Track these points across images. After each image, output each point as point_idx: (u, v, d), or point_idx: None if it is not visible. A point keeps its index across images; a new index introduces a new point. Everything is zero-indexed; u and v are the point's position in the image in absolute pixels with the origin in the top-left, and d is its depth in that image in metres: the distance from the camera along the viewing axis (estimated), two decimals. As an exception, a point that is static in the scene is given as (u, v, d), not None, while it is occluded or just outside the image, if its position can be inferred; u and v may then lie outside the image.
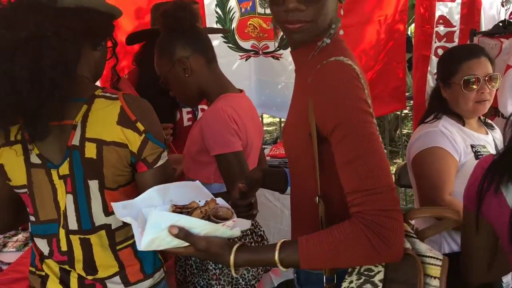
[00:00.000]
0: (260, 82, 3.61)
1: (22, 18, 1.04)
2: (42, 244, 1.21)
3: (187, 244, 0.96)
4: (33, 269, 1.26)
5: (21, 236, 2.14)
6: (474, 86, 1.69)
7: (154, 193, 1.08)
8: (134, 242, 1.21)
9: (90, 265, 1.19)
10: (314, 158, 1.05)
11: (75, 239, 1.18)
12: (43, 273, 1.23)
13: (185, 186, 1.15)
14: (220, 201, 1.07)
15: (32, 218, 1.21)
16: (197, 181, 1.16)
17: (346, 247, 0.92)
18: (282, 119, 4.64)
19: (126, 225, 1.20)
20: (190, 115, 2.35)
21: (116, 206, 1.03)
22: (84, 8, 1.14)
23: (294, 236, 1.23)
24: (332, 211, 1.07)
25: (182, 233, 0.93)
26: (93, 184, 1.15)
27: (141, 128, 1.16)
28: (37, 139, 1.09)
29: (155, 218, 0.92)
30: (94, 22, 1.17)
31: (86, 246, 1.19)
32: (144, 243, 0.93)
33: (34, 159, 1.14)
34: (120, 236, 1.22)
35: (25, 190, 1.17)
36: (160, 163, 1.21)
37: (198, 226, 0.95)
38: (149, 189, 1.08)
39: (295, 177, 1.21)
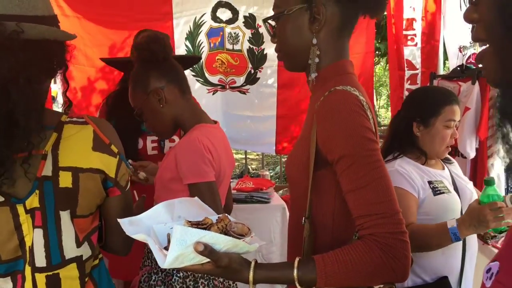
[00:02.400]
0: (227, 116, 3.64)
1: None
2: (4, 283, 1.11)
3: (206, 260, 0.95)
4: None
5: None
6: (450, 131, 1.80)
7: (162, 209, 1.06)
8: (92, 270, 1.17)
9: None
10: (309, 182, 1.09)
11: (41, 278, 1.09)
12: None
13: (187, 201, 1.13)
14: (229, 217, 1.06)
15: None
16: (196, 197, 1.17)
17: (361, 267, 0.96)
18: (248, 153, 4.67)
19: (92, 254, 1.16)
20: (155, 144, 2.30)
21: (122, 222, 1.00)
22: (46, 41, 1.06)
23: (288, 256, 1.28)
24: (315, 233, 1.11)
25: (207, 250, 0.92)
26: (65, 215, 1.09)
27: (115, 150, 1.15)
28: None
29: (180, 234, 0.89)
30: (56, 55, 1.11)
31: (54, 284, 1.10)
32: (169, 260, 0.90)
33: None
34: (88, 267, 1.16)
35: None
36: (128, 185, 1.21)
37: (222, 242, 0.93)
38: (156, 206, 1.06)
39: (292, 198, 1.26)
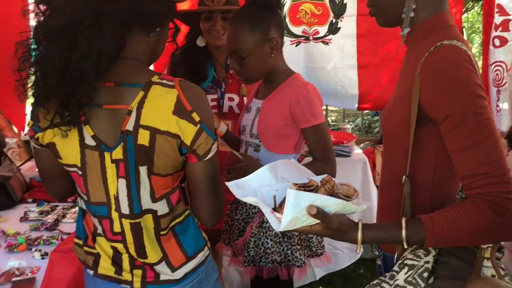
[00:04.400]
0: (308, 69, 3.61)
1: (61, 7, 1.04)
2: (95, 221, 1.25)
3: (315, 222, 0.98)
4: (81, 243, 1.31)
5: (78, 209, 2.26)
6: None
7: (266, 172, 1.10)
8: (175, 226, 1.25)
9: (140, 250, 1.22)
10: (410, 139, 1.09)
11: (127, 224, 1.20)
12: (95, 251, 1.27)
13: (287, 163, 1.16)
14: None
15: (84, 196, 1.23)
16: (293, 159, 1.22)
17: (470, 226, 0.96)
18: (329, 106, 4.61)
19: (170, 213, 1.23)
20: (214, 103, 2.24)
21: (230, 185, 1.05)
22: None
23: (379, 214, 1.30)
24: (414, 191, 1.12)
25: (320, 214, 0.94)
26: (143, 170, 1.15)
27: (197, 118, 1.13)
28: (71, 123, 1.10)
29: (295, 198, 0.92)
30: (145, 10, 1.13)
31: (136, 231, 1.20)
32: (284, 223, 0.94)
33: (89, 141, 1.14)
34: (165, 223, 1.22)
35: (75, 169, 1.19)
36: (210, 155, 1.18)
37: (332, 204, 0.96)
38: (260, 168, 1.10)
39: (387, 156, 1.26)
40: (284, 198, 0.95)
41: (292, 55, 3.52)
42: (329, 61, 3.65)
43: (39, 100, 1.10)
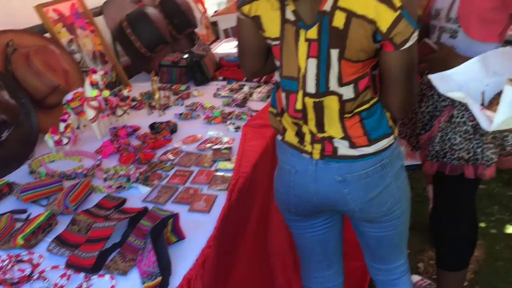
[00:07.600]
0: None
1: None
2: (283, 96, 1.31)
3: None
4: (275, 112, 1.40)
5: (263, 89, 2.41)
6: None
7: (476, 65, 1.02)
8: (362, 111, 1.24)
9: (320, 125, 1.26)
10: None
11: (309, 102, 1.23)
12: (282, 123, 1.37)
13: (501, 55, 1.06)
14: None
15: (280, 70, 1.28)
16: (508, 47, 1.10)
17: None
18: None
19: (355, 98, 1.22)
20: None
21: (433, 78, 1.00)
22: None
23: None
24: None
25: None
26: (334, 53, 1.15)
27: (397, 4, 1.05)
28: None
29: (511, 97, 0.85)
30: None
31: (319, 109, 1.24)
32: (497, 123, 0.89)
33: (289, 15, 1.17)
34: (349, 107, 1.23)
35: (278, 42, 1.23)
36: (408, 45, 1.11)
37: None
38: (468, 61, 1.03)
39: None
40: (496, 95, 0.87)
41: None
42: None
43: None
